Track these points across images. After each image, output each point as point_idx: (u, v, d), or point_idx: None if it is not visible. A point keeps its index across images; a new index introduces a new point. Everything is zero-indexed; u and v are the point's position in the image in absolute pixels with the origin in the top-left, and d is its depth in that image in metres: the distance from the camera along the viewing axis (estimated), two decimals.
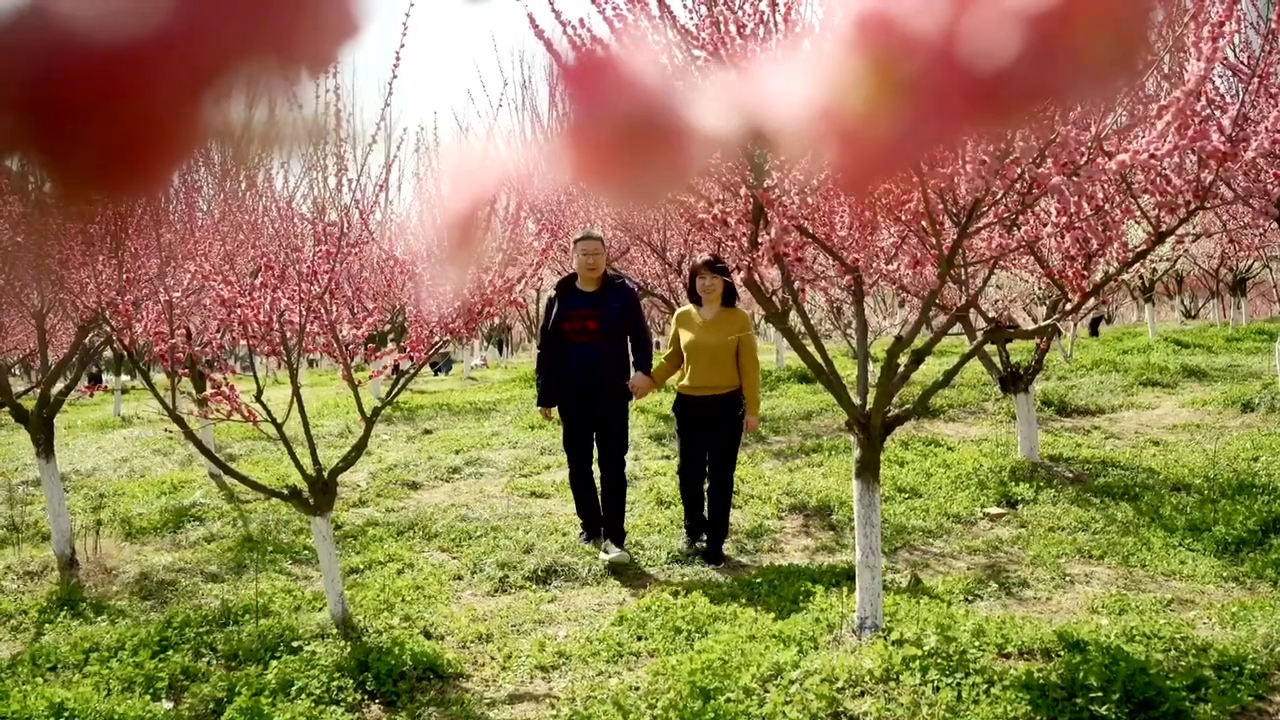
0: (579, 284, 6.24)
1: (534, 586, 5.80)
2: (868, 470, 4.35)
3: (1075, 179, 3.37)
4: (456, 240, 0.43)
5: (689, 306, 6.19)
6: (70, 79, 0.30)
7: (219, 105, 0.31)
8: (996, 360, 8.21)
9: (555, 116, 12.31)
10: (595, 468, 6.46)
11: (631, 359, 6.35)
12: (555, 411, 6.37)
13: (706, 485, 6.27)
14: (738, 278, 4.45)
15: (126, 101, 0.30)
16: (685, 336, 6.06)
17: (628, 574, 5.99)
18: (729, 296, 6.04)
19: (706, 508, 6.25)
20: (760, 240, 4.07)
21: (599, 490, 6.39)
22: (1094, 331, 25.38)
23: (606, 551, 6.03)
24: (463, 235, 0.44)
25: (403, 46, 4.72)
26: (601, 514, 6.34)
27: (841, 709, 3.74)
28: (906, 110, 0.31)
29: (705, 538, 6.24)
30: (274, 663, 4.43)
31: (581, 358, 6.11)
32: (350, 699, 4.15)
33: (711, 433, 6.07)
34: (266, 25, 0.31)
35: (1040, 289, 11.84)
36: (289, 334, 4.86)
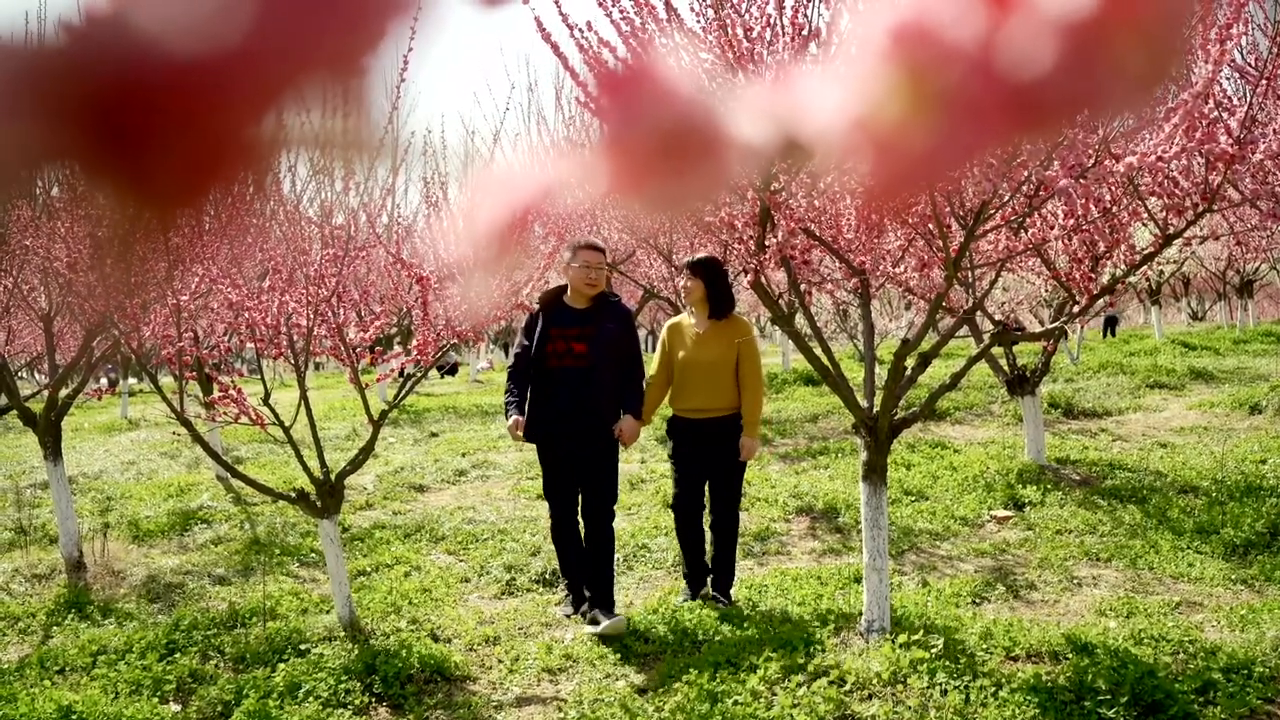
0: (568, 299, 5.10)
1: (541, 589, 5.80)
2: (875, 473, 4.34)
3: (1082, 181, 3.36)
4: (489, 258, 0.44)
5: (681, 316, 5.33)
6: (145, 90, 0.30)
7: (283, 117, 0.32)
8: (1003, 363, 8.20)
9: (561, 119, 12.31)
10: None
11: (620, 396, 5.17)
12: (521, 430, 5.08)
13: (708, 521, 5.41)
14: (744, 279, 4.36)
15: (200, 114, 0.30)
16: (677, 351, 5.19)
17: (635, 577, 5.99)
18: (722, 305, 5.15)
19: (710, 548, 5.41)
20: (767, 243, 4.07)
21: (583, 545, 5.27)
22: (1109, 332, 25.35)
23: (596, 622, 4.90)
24: (496, 253, 0.44)
25: (410, 50, 4.72)
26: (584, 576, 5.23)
27: (849, 712, 3.74)
28: (941, 122, 0.31)
29: (711, 582, 5.38)
30: (281, 665, 4.44)
31: (567, 387, 4.98)
32: (358, 701, 4.15)
33: (711, 461, 5.19)
34: (331, 34, 0.31)
35: (1047, 291, 11.83)
36: (296, 337, 4.88)
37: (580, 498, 5.13)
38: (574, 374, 4.97)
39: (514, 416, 5.07)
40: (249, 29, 0.30)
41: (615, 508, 5.18)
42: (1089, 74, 0.30)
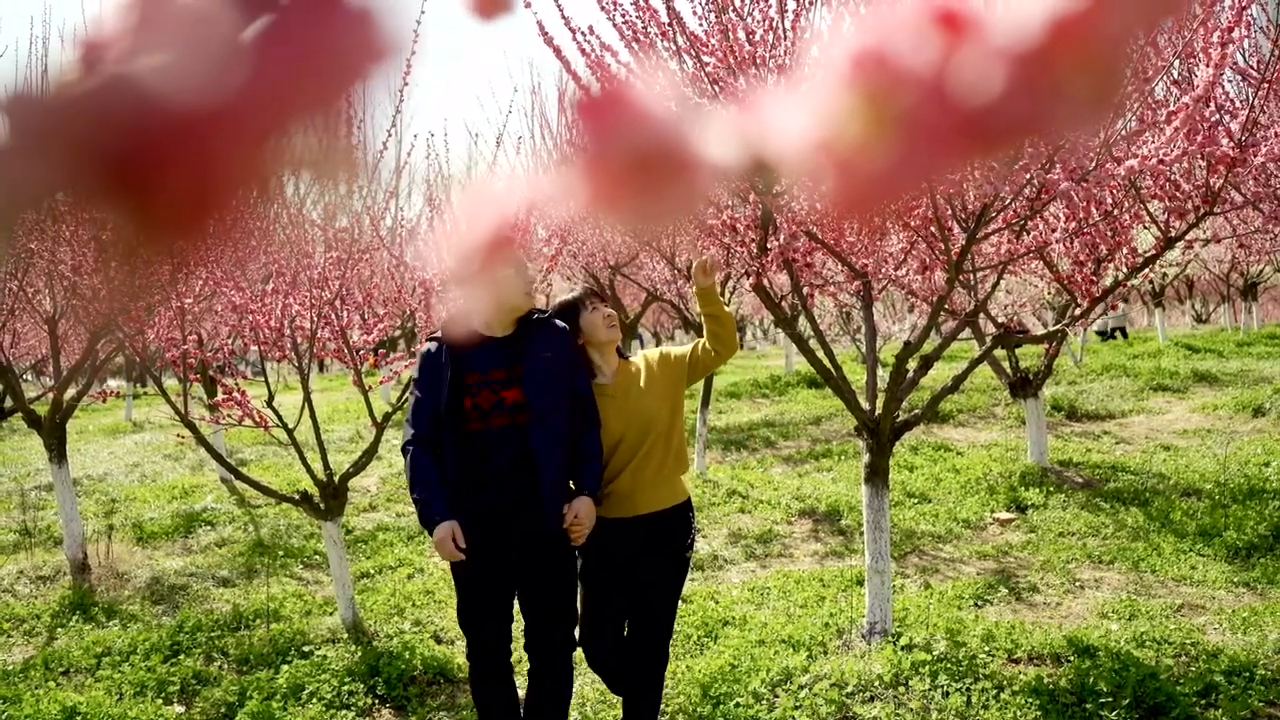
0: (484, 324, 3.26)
1: None
2: (877, 475, 4.35)
3: (1084, 184, 3.37)
4: (473, 271, 0.45)
5: None
6: (146, 138, 0.32)
7: (276, 150, 0.33)
8: (1006, 365, 8.20)
9: (565, 122, 12.32)
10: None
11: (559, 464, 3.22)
12: (458, 536, 3.10)
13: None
14: (746, 283, 4.36)
15: (197, 158, 0.32)
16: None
17: None
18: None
19: (628, 689, 3.52)
20: (769, 246, 4.08)
21: (521, 699, 3.39)
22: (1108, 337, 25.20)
23: None
24: (481, 267, 0.45)
25: (413, 54, 4.74)
26: None
27: (851, 714, 3.75)
28: (896, 143, 0.32)
29: None
30: (285, 667, 4.45)
31: (504, 459, 3.15)
32: (361, 703, 4.16)
33: (642, 576, 3.35)
34: (319, 77, 0.33)
35: (1050, 294, 11.82)
36: (300, 340, 4.89)
37: (526, 623, 3.31)
38: (512, 438, 3.16)
39: (444, 524, 3.11)
40: (239, 82, 0.32)
41: (575, 636, 3.37)
42: (1037, 100, 0.31)
